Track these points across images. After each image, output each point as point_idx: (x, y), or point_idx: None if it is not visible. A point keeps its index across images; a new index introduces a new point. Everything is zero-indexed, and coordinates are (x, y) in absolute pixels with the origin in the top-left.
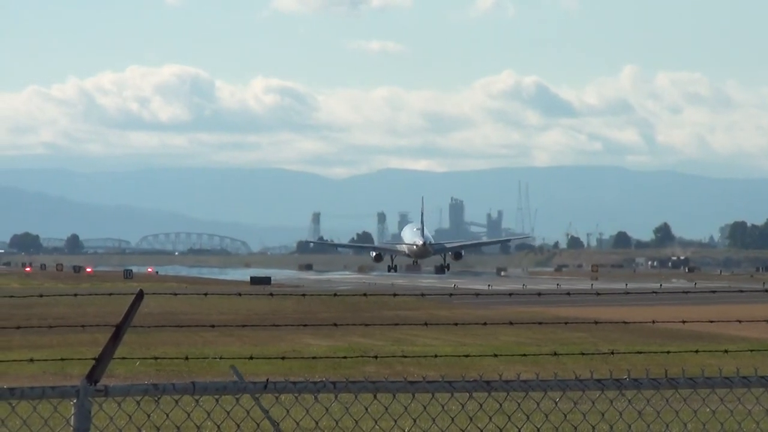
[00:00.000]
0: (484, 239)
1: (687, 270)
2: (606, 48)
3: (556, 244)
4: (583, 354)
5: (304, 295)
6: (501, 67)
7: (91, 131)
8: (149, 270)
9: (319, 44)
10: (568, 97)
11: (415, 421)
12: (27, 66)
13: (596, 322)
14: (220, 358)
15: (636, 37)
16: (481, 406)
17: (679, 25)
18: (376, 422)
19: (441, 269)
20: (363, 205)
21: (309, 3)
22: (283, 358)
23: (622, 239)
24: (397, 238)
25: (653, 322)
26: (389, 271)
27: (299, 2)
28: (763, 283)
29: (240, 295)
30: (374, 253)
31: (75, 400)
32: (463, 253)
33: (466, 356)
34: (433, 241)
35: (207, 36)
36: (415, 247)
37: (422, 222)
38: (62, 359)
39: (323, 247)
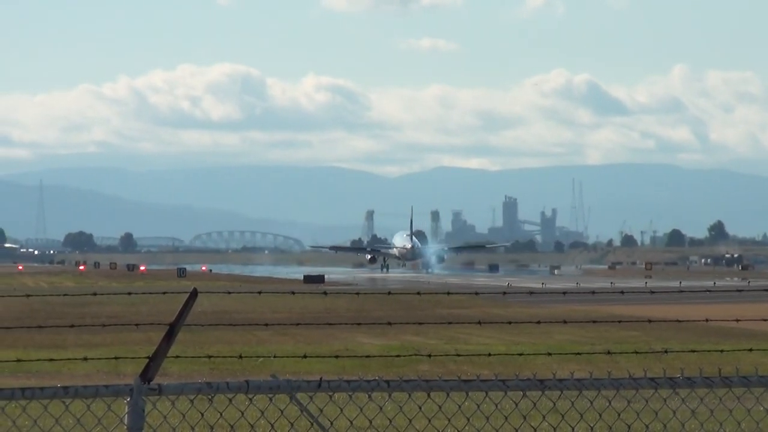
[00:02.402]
0: (538, 237)
1: (741, 268)
2: (656, 47)
3: (609, 242)
4: (636, 353)
5: (357, 293)
6: (552, 65)
7: (143, 130)
8: (203, 268)
9: (370, 43)
10: (619, 96)
11: (468, 419)
12: (78, 65)
13: (650, 321)
14: (274, 356)
15: (685, 36)
16: (534, 404)
17: (729, 24)
18: (429, 421)
19: (427, 269)
20: (416, 203)
21: (359, 1)
22: (336, 356)
23: (675, 237)
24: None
25: (707, 320)
26: (381, 270)
27: (349, 1)
28: None
29: (293, 293)
30: (369, 256)
31: (129, 399)
32: (445, 257)
33: (520, 355)
34: (420, 246)
35: (258, 35)
36: (405, 249)
37: (411, 228)
38: (116, 358)
39: (374, 244)
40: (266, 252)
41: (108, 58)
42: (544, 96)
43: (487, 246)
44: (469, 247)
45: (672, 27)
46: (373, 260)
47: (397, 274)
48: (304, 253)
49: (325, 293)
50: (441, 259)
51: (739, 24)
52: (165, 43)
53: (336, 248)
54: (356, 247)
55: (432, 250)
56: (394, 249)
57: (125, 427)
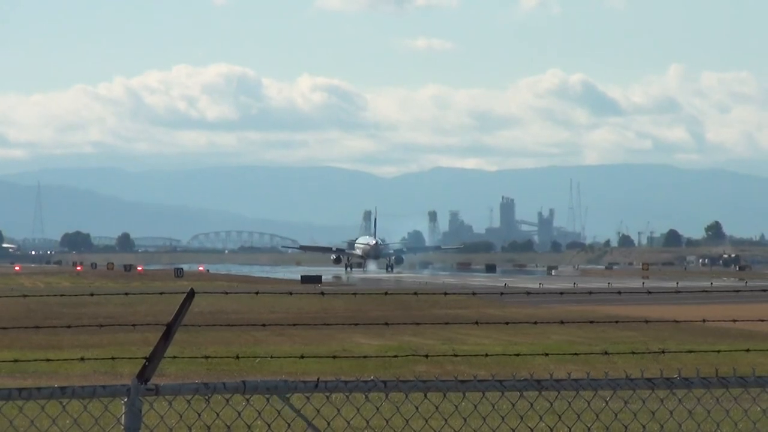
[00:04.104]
0: (535, 237)
1: (738, 268)
2: (651, 47)
3: (607, 243)
4: (633, 353)
5: (355, 293)
6: (547, 65)
7: (139, 130)
8: (200, 268)
9: (365, 43)
10: (614, 96)
11: (465, 420)
12: (73, 65)
13: (647, 321)
14: (271, 357)
15: (681, 36)
16: (531, 405)
17: (724, 24)
18: (426, 421)
19: (387, 267)
20: (414, 203)
21: (354, 1)
22: (333, 357)
23: (672, 237)
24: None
25: (704, 320)
26: (346, 269)
27: (344, 1)
28: None
29: (291, 293)
30: (334, 256)
31: (126, 399)
32: (403, 258)
33: (517, 355)
34: (382, 245)
35: (253, 35)
36: (368, 246)
37: (374, 227)
38: (113, 358)
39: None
40: (289, 251)
41: (103, 58)
42: (539, 96)
43: (442, 248)
44: (427, 248)
45: (667, 27)
46: (337, 260)
47: (375, 275)
48: (302, 253)
49: (322, 293)
50: (400, 260)
51: (735, 24)
52: (160, 44)
53: (305, 248)
54: (323, 247)
55: (392, 250)
56: (358, 249)
57: (122, 427)
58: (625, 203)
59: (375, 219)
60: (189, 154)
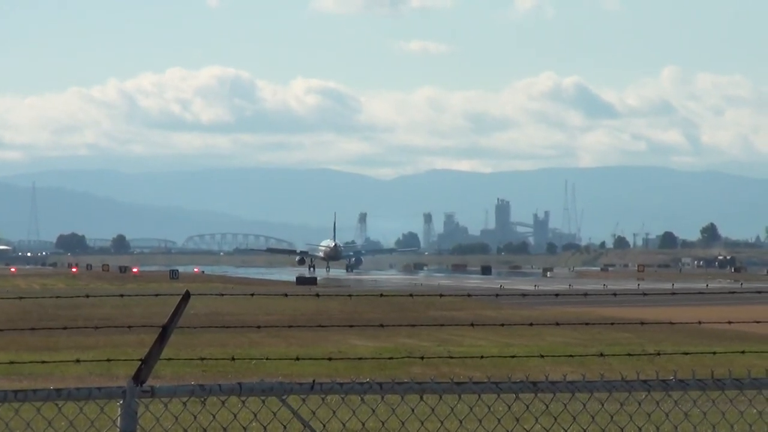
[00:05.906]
0: (530, 238)
1: (733, 270)
2: (645, 49)
3: (602, 244)
4: (629, 355)
5: (350, 295)
6: (541, 68)
7: (134, 132)
8: (196, 270)
9: (360, 45)
10: (609, 98)
11: (461, 422)
12: (67, 67)
13: (642, 323)
14: (266, 359)
15: (675, 39)
16: (527, 407)
17: (718, 26)
18: (422, 423)
19: (348, 268)
20: (409, 205)
21: (349, 4)
22: (329, 359)
23: (668, 239)
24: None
25: (699, 322)
26: (309, 269)
27: (339, 3)
28: None
29: (286, 295)
30: (298, 257)
31: (121, 401)
32: (362, 259)
33: (513, 357)
34: (342, 246)
35: (247, 37)
36: (328, 248)
37: (335, 230)
38: (108, 360)
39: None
40: (259, 254)
41: (97, 60)
42: (534, 99)
43: (399, 250)
44: (384, 250)
45: (662, 30)
46: (302, 261)
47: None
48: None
49: (317, 295)
50: (360, 261)
51: (729, 27)
52: (154, 46)
53: (271, 250)
54: (289, 250)
55: (353, 251)
56: (321, 251)
57: (118, 429)
58: (621, 205)
59: (335, 222)
60: (184, 156)
